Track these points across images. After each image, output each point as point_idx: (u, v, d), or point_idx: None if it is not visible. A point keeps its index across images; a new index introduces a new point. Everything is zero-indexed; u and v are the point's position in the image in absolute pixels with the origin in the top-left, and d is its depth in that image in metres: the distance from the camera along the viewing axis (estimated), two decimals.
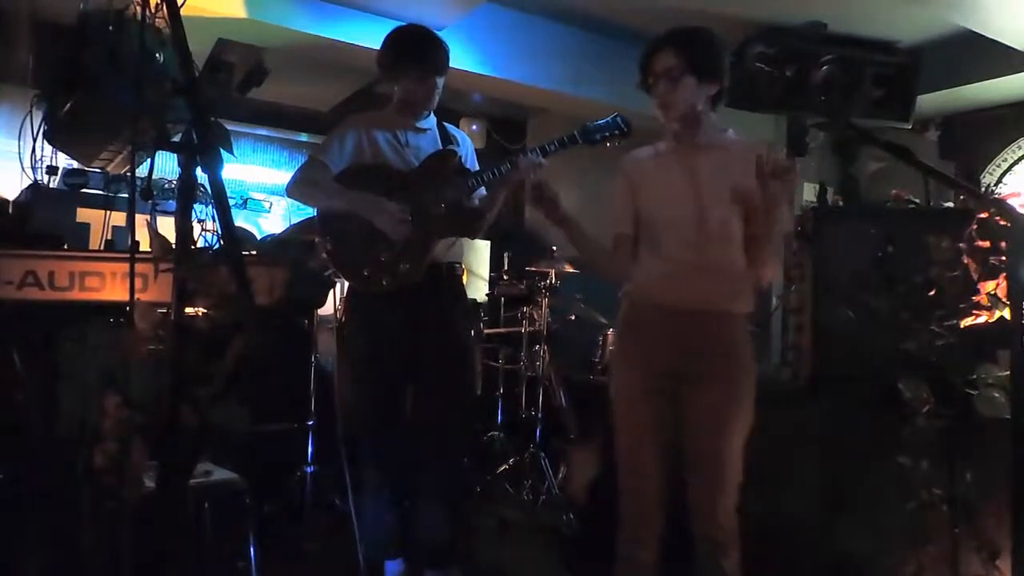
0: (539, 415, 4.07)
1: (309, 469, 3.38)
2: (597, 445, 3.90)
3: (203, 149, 1.25)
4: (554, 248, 4.33)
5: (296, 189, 2.51)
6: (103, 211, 3.06)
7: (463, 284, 2.73)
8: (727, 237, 1.96)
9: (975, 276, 1.63)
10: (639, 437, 2.03)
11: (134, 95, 1.94)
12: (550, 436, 4.07)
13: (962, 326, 1.69)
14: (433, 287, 2.50)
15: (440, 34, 4.07)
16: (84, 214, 3.18)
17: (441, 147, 2.60)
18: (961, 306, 1.67)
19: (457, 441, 2.64)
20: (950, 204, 3.02)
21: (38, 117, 2.75)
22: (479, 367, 4.20)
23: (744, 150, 1.99)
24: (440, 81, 2.58)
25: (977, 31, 3.87)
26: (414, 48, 2.55)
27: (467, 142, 2.72)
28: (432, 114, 2.67)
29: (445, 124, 2.68)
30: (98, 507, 1.75)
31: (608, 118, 2.51)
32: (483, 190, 2.60)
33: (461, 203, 2.53)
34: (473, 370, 2.85)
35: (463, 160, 2.63)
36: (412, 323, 2.48)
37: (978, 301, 1.64)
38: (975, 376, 1.73)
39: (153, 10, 1.89)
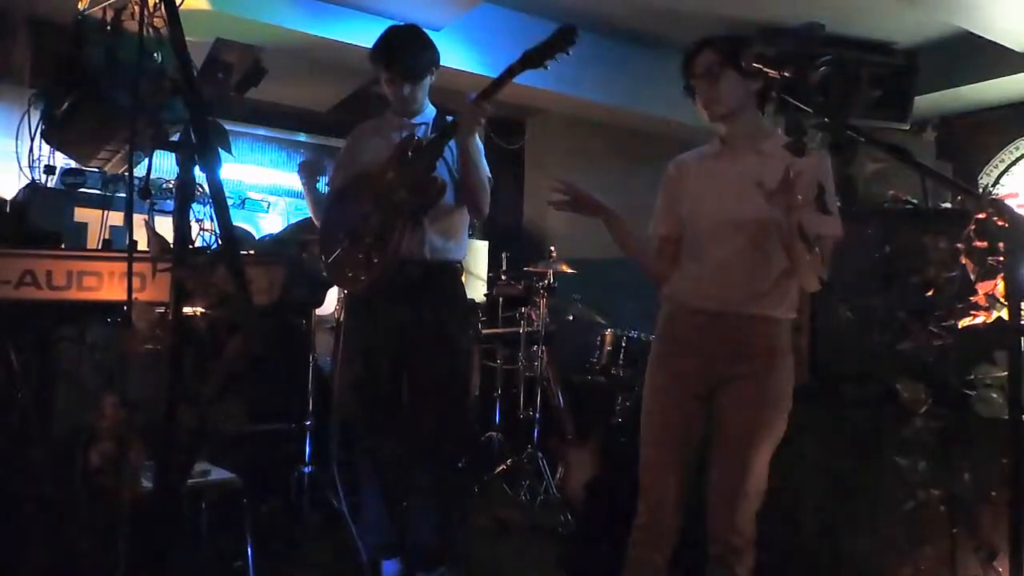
0: (537, 415, 4.07)
1: (307, 469, 3.37)
2: (595, 446, 3.90)
3: (201, 149, 1.24)
4: (552, 249, 4.33)
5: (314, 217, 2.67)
6: (101, 210, 3.06)
7: (460, 283, 2.71)
8: (770, 240, 1.92)
9: (973, 276, 1.63)
10: (669, 440, 2.01)
11: (132, 95, 1.94)
12: (548, 437, 4.07)
13: (960, 326, 1.69)
14: (427, 286, 2.50)
15: (438, 34, 4.09)
16: (82, 213, 3.18)
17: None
18: (959, 306, 1.67)
19: (448, 442, 2.63)
20: (948, 205, 3.02)
21: (36, 116, 2.75)
22: (475, 367, 4.20)
23: (769, 152, 1.98)
24: (409, 87, 2.54)
25: (974, 32, 3.88)
26: (383, 51, 2.52)
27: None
28: (430, 108, 2.65)
29: (447, 115, 2.64)
30: (95, 506, 1.75)
31: (550, 34, 2.40)
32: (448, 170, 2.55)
33: (420, 181, 2.45)
34: (466, 370, 2.84)
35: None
36: (404, 322, 2.48)
37: (976, 301, 1.64)
38: (973, 376, 1.73)
39: (151, 10, 1.89)
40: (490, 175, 2.59)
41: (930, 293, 1.72)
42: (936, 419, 1.71)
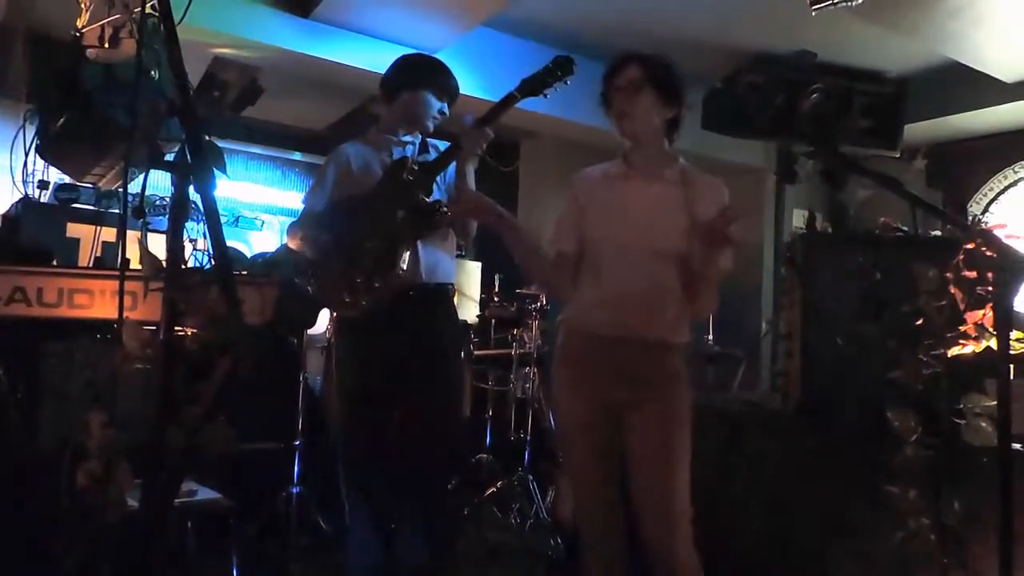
0: (528, 438, 4.05)
1: (295, 490, 3.34)
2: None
3: (197, 169, 1.25)
4: None
5: (289, 235, 2.58)
6: (93, 226, 3.06)
7: (453, 305, 2.71)
8: (670, 268, 1.94)
9: (962, 306, 1.65)
10: (587, 467, 2.00)
11: (128, 113, 1.95)
12: (539, 459, 4.05)
13: (949, 355, 1.70)
14: (421, 308, 2.50)
15: (434, 56, 4.13)
16: (74, 229, 3.17)
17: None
18: (948, 335, 1.69)
19: (441, 467, 2.61)
20: (938, 233, 3.05)
21: (31, 132, 2.75)
22: (467, 389, 4.18)
23: (698, 182, 2.00)
24: (445, 106, 2.62)
25: (964, 62, 3.94)
26: (434, 71, 2.62)
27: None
28: (420, 135, 2.68)
29: (427, 139, 2.68)
30: (80, 525, 1.73)
31: (548, 63, 2.45)
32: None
33: (418, 205, 2.46)
34: (460, 394, 2.82)
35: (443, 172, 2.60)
36: (398, 345, 2.47)
37: (965, 331, 1.65)
38: (962, 405, 1.74)
39: (149, 29, 1.91)
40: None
41: (920, 322, 1.73)
42: (926, 448, 1.71)
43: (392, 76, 2.62)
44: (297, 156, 5.79)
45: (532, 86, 2.42)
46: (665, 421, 1.92)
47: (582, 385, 1.99)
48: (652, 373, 1.94)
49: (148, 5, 1.82)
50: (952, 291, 1.66)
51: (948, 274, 1.66)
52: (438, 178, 2.54)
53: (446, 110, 2.62)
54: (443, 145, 2.67)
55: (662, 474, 1.90)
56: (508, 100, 2.43)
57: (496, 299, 4.64)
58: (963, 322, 1.66)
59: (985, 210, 4.73)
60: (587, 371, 1.98)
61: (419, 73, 2.59)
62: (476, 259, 5.20)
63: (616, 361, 1.94)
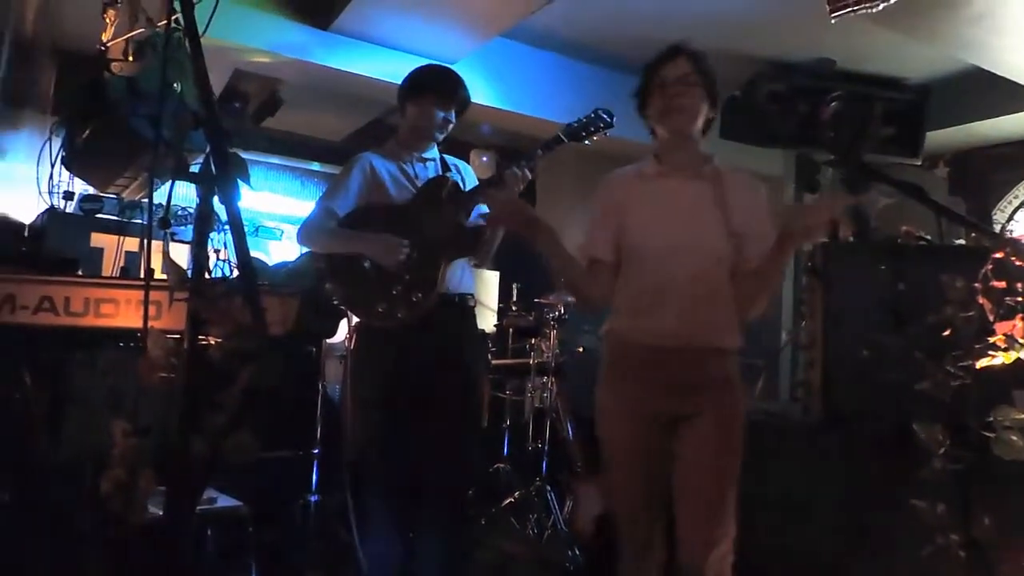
0: (546, 448, 4.03)
1: (313, 498, 3.35)
2: (604, 479, 3.85)
3: (222, 180, 1.26)
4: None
5: (305, 235, 2.54)
6: (117, 236, 3.09)
7: (474, 316, 2.71)
8: (719, 268, 1.86)
9: (991, 317, 1.62)
10: (635, 481, 1.91)
11: (152, 125, 1.97)
12: (557, 469, 4.03)
13: (977, 367, 1.67)
14: (443, 319, 2.50)
15: (452, 67, 4.14)
16: (98, 239, 3.21)
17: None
18: (977, 346, 1.66)
19: (460, 477, 2.61)
20: (962, 241, 3.01)
21: (57, 144, 2.80)
22: (486, 399, 4.17)
23: (733, 178, 1.93)
24: (451, 115, 2.61)
25: (985, 68, 3.89)
26: (447, 81, 2.61)
27: (467, 170, 2.72)
28: (435, 146, 2.69)
29: (444, 155, 2.70)
30: (103, 533, 1.74)
31: (589, 112, 2.51)
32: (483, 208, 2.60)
33: (461, 224, 2.50)
34: (480, 404, 2.81)
35: (463, 186, 2.64)
36: (420, 356, 2.47)
37: (994, 342, 1.62)
38: (992, 418, 1.71)
39: (173, 43, 1.93)
40: None
41: (947, 333, 1.70)
42: (954, 461, 1.68)
43: (400, 89, 2.64)
44: (316, 166, 5.83)
45: (576, 133, 2.50)
46: (722, 431, 1.83)
47: (633, 403, 1.89)
48: (708, 381, 1.85)
49: (172, 19, 1.85)
50: (980, 301, 1.64)
51: (976, 284, 1.64)
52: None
53: (452, 119, 2.60)
54: (451, 160, 2.69)
55: (712, 489, 1.82)
56: (552, 143, 2.49)
57: (514, 308, 4.63)
58: (992, 333, 1.63)
59: (1010, 218, 4.67)
60: (639, 387, 1.89)
61: (422, 84, 2.59)
62: (495, 268, 5.20)
63: (671, 372, 1.85)
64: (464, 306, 2.60)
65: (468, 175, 2.72)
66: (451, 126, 2.62)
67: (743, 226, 1.85)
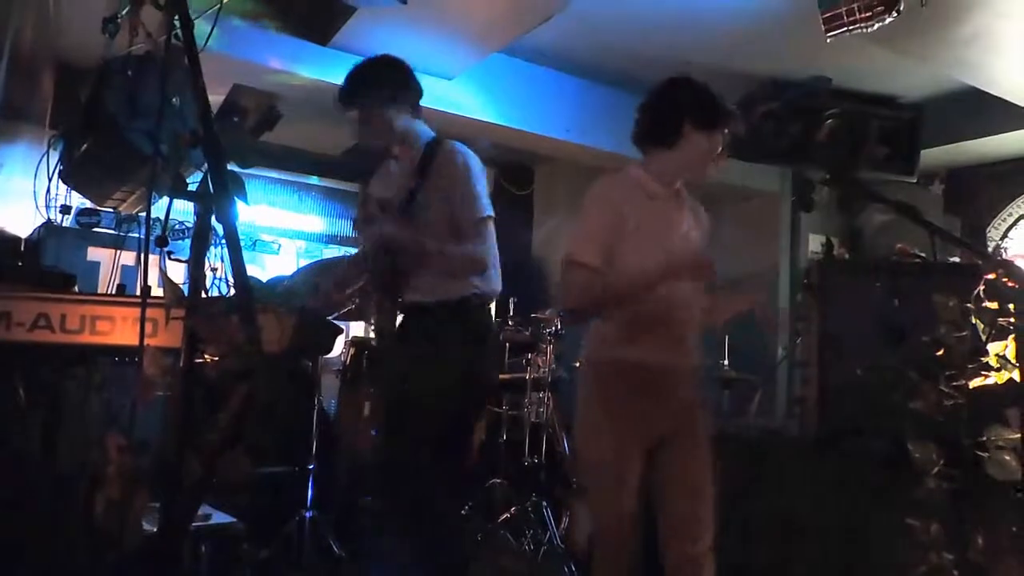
0: (542, 463, 4.02)
1: (308, 513, 3.33)
2: (593, 494, 3.84)
3: (219, 199, 1.26)
4: None
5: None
6: (113, 250, 3.09)
7: (449, 324, 2.40)
8: (700, 294, 1.99)
9: (984, 337, 1.63)
10: (622, 502, 1.93)
11: (151, 140, 1.98)
12: (553, 485, 4.02)
13: (971, 387, 1.68)
14: (407, 328, 2.41)
15: (450, 83, 4.16)
16: (94, 252, 3.21)
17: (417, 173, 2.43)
18: (970, 366, 1.67)
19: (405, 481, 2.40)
20: (956, 259, 3.02)
21: (54, 157, 2.79)
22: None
23: (699, 210, 2.14)
24: (352, 114, 2.50)
25: (980, 87, 3.92)
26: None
27: (455, 158, 2.37)
28: (418, 139, 2.48)
29: (437, 144, 2.44)
30: (98, 550, 1.73)
31: None
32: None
33: (395, 232, 2.34)
34: (429, 412, 2.56)
35: (445, 181, 2.37)
36: (389, 365, 2.45)
37: (987, 362, 1.63)
38: (985, 438, 1.71)
39: (173, 58, 1.94)
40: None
41: (940, 352, 1.71)
42: (948, 481, 1.68)
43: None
44: (314, 180, 5.84)
45: None
46: (704, 449, 1.94)
47: (626, 419, 1.92)
48: (693, 400, 1.96)
49: (172, 34, 1.86)
50: (973, 321, 1.65)
51: (969, 304, 1.65)
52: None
53: (353, 115, 2.49)
54: (445, 147, 2.43)
55: (701, 506, 1.92)
56: None
57: (511, 323, 4.63)
58: (985, 353, 1.64)
59: (1004, 236, 4.69)
60: (633, 405, 1.91)
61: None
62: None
63: (665, 392, 1.92)
64: (429, 313, 2.39)
65: (453, 166, 2.40)
66: (353, 121, 2.50)
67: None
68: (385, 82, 2.49)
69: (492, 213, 2.35)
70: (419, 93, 2.56)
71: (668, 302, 1.91)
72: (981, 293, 1.61)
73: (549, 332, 4.15)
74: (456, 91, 4.20)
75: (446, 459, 2.36)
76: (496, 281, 2.39)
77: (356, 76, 2.52)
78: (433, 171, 2.37)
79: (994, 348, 1.63)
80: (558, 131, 4.56)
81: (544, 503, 3.89)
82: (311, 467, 3.38)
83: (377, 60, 2.56)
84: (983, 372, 1.64)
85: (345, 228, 5.79)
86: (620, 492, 1.94)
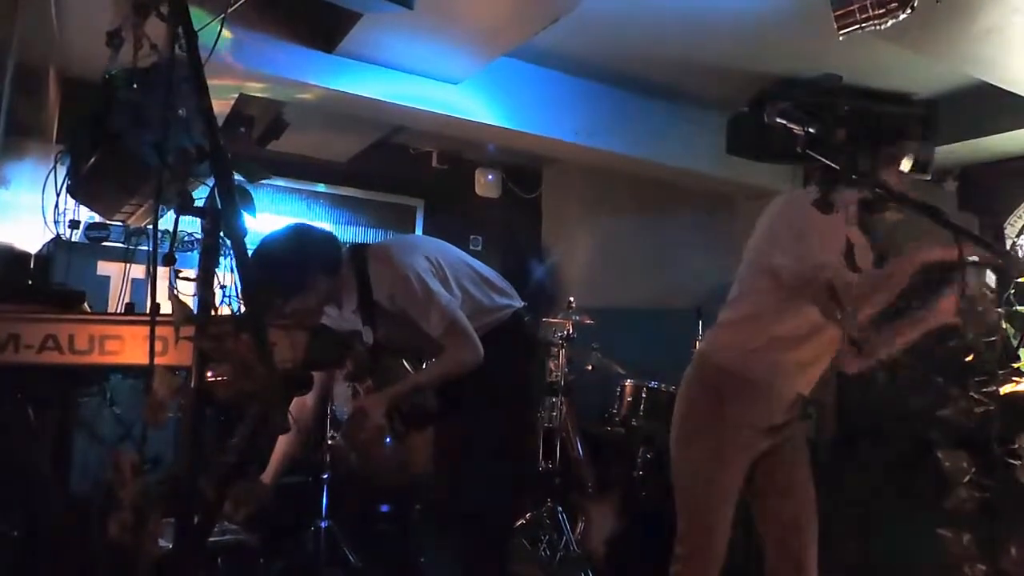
0: (557, 468, 3.99)
1: (323, 523, 3.32)
2: (616, 499, 3.81)
3: (227, 214, 1.24)
4: (571, 299, 4.31)
5: None
6: (123, 264, 3.08)
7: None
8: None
9: (1015, 341, 1.59)
10: (726, 504, 1.96)
11: (157, 152, 1.96)
12: (568, 489, 3.99)
13: (1002, 393, 1.64)
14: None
15: (457, 87, 4.13)
16: (104, 267, 3.20)
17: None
18: (1000, 372, 1.62)
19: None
20: (975, 259, 2.96)
21: (62, 172, 2.78)
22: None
23: None
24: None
25: (993, 83, 3.87)
26: None
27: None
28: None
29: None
30: (113, 569, 1.71)
31: None
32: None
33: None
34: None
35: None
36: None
37: (1018, 367, 1.59)
38: (1017, 445, 1.67)
39: (178, 71, 1.92)
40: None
41: (970, 358, 1.67)
42: (980, 489, 1.64)
43: None
44: (321, 188, 5.84)
45: None
46: (803, 461, 2.04)
47: (745, 427, 1.96)
48: (794, 412, 2.01)
49: (177, 47, 1.84)
50: (1004, 326, 1.60)
51: (999, 309, 1.60)
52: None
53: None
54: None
55: (809, 519, 1.99)
56: None
57: None
58: (1016, 359, 1.60)
59: (1020, 232, 4.63)
60: (760, 411, 1.97)
61: None
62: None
63: (780, 405, 1.98)
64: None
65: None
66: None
67: None
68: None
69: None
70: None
71: (823, 322, 1.92)
72: (1011, 298, 1.57)
73: (560, 336, 4.13)
74: (463, 95, 4.18)
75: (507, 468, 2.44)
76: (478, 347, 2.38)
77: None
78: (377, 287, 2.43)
79: None
80: (567, 133, 4.52)
81: (559, 508, 3.86)
82: (325, 476, 3.36)
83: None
84: (1015, 378, 1.60)
85: (353, 235, 5.79)
86: (719, 503, 1.95)
